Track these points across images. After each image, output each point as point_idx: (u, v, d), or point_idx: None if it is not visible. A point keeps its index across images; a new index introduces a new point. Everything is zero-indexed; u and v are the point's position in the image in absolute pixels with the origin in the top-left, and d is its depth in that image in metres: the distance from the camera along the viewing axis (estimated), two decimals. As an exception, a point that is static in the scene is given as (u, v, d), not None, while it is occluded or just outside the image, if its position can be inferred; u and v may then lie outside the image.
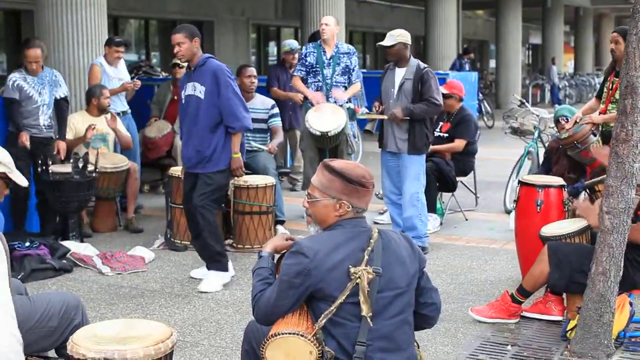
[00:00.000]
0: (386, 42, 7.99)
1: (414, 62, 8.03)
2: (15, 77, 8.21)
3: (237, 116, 6.83)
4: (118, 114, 9.69)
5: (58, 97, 8.48)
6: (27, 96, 8.19)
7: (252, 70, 9.32)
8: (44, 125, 8.35)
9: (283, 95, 10.98)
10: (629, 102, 5.16)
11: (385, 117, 8.06)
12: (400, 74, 8.04)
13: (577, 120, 7.96)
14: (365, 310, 3.53)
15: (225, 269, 7.07)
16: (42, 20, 9.90)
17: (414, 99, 7.91)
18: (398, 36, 7.98)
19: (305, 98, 9.47)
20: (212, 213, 6.98)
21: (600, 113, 7.98)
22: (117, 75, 9.78)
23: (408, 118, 7.90)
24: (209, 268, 7.09)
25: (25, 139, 8.07)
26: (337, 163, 3.75)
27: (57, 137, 8.54)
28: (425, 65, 8.09)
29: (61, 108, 8.58)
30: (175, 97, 10.98)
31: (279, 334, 3.57)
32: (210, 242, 6.98)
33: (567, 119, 8.52)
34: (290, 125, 11.32)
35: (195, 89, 6.87)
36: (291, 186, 11.47)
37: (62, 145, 8.51)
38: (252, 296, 3.76)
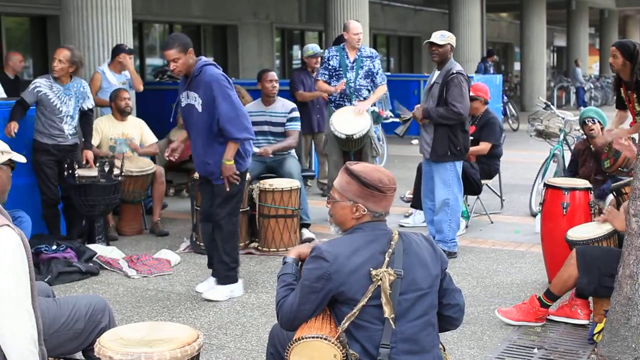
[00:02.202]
0: (437, 39, 7.83)
1: (449, 66, 7.84)
2: (40, 84, 8.08)
3: (234, 127, 6.47)
4: None
5: (85, 108, 8.45)
6: (50, 105, 8.09)
7: (273, 75, 9.28)
8: (69, 134, 8.28)
9: (310, 95, 10.99)
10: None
11: (408, 113, 8.12)
12: (435, 76, 7.99)
13: (608, 146, 7.88)
14: (387, 311, 3.52)
15: (235, 281, 6.86)
16: (68, 25, 9.96)
17: (438, 103, 7.81)
18: (448, 37, 7.88)
19: (330, 101, 9.50)
20: (229, 223, 6.75)
21: (630, 126, 7.93)
22: (119, 80, 9.78)
23: (429, 121, 7.88)
24: (218, 280, 6.85)
25: (13, 127, 7.83)
26: (357, 166, 3.75)
27: (83, 146, 8.56)
28: (457, 70, 7.83)
29: (87, 119, 8.54)
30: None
31: (302, 338, 3.58)
32: (224, 254, 6.76)
33: (593, 121, 8.47)
34: (319, 129, 11.30)
35: (195, 100, 6.57)
36: (322, 192, 11.36)
37: (89, 155, 8.50)
38: (276, 302, 3.78)
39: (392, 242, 3.64)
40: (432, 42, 7.84)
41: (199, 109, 6.55)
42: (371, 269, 3.55)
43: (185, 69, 6.53)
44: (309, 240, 8.31)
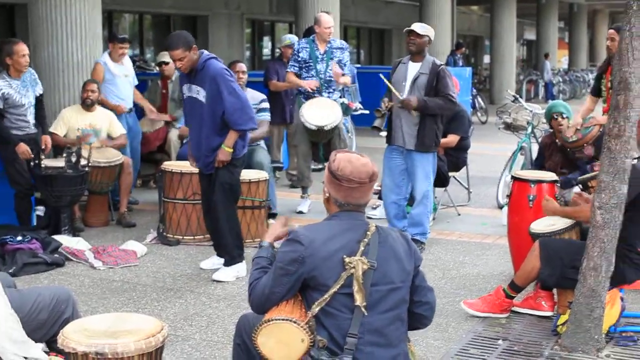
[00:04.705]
0: (418, 29, 7.81)
1: (430, 58, 7.88)
2: (1, 86, 8.05)
3: (240, 118, 6.76)
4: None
5: (37, 95, 8.44)
6: (15, 102, 8.10)
7: (242, 66, 9.30)
8: (32, 123, 8.34)
9: (283, 85, 10.85)
10: (621, 98, 5.17)
11: (399, 96, 7.73)
12: (414, 68, 7.85)
13: (578, 128, 7.92)
14: (359, 299, 3.55)
15: (240, 261, 7.13)
16: (36, 14, 9.86)
17: (427, 94, 7.74)
18: (428, 30, 7.89)
19: (299, 92, 9.47)
20: (225, 208, 6.98)
21: (603, 112, 7.98)
22: (122, 72, 9.79)
23: (419, 111, 7.70)
24: (224, 262, 7.13)
25: (25, 149, 8.08)
26: (339, 153, 3.83)
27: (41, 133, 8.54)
28: (442, 62, 7.97)
29: (41, 105, 8.54)
30: (164, 91, 10.97)
31: (272, 320, 3.59)
32: (227, 236, 7.05)
33: (562, 115, 8.51)
34: (292, 120, 11.26)
35: (198, 93, 6.82)
36: (291, 183, 11.36)
37: (48, 140, 8.49)
38: (249, 284, 3.80)
39: (368, 233, 3.68)
40: (413, 30, 7.82)
41: (203, 101, 6.79)
42: (345, 256, 3.58)
43: (191, 65, 6.78)
44: None
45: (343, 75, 9.25)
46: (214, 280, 6.97)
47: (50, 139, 8.54)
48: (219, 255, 7.27)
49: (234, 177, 7.03)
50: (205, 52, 6.94)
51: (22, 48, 8.15)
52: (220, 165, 6.88)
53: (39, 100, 8.46)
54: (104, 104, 9.58)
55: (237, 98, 6.74)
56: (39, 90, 8.48)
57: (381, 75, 8.07)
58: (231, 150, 6.86)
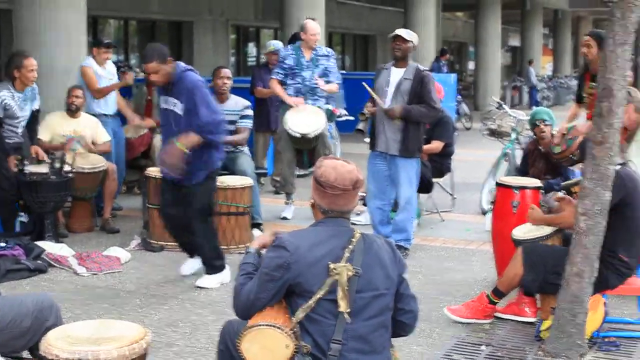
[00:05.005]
0: (404, 34, 7.82)
1: (414, 64, 7.88)
2: (5, 96, 8.14)
3: (208, 127, 6.62)
4: (106, 115, 9.72)
5: (33, 109, 8.52)
6: (12, 114, 8.20)
7: (227, 72, 9.14)
8: (20, 134, 8.41)
9: (268, 92, 10.77)
10: (605, 105, 5.20)
11: (381, 102, 7.73)
12: (398, 73, 7.84)
13: (565, 133, 7.94)
14: (343, 306, 3.56)
15: (223, 268, 7.07)
16: (21, 19, 9.85)
17: (410, 100, 7.73)
18: (413, 36, 7.91)
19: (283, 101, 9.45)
20: (202, 222, 6.89)
21: (587, 118, 7.99)
22: (107, 75, 9.78)
23: (403, 119, 7.69)
24: (206, 270, 7.07)
25: (15, 163, 8.11)
26: (325, 160, 3.84)
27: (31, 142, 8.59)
28: (425, 69, 7.97)
29: (35, 120, 8.66)
30: (149, 97, 10.95)
31: (256, 326, 3.59)
32: (205, 250, 7.00)
33: (545, 122, 8.53)
34: (277, 127, 11.22)
35: (175, 105, 6.73)
36: (275, 189, 11.33)
37: (39, 150, 8.54)
38: (234, 289, 3.81)
39: (353, 240, 3.70)
40: (399, 35, 7.81)
41: (180, 113, 6.70)
42: (330, 262, 3.59)
43: (166, 78, 6.69)
44: None
45: (328, 82, 9.31)
46: (198, 287, 6.96)
47: (40, 149, 8.56)
48: (192, 256, 7.27)
49: (210, 190, 6.99)
50: (182, 64, 6.86)
51: (32, 63, 8.22)
52: (169, 164, 6.62)
53: (33, 115, 8.50)
54: (112, 89, 9.69)
55: (209, 109, 6.65)
56: (36, 105, 8.54)
57: (364, 84, 8.06)
58: (185, 150, 6.56)
